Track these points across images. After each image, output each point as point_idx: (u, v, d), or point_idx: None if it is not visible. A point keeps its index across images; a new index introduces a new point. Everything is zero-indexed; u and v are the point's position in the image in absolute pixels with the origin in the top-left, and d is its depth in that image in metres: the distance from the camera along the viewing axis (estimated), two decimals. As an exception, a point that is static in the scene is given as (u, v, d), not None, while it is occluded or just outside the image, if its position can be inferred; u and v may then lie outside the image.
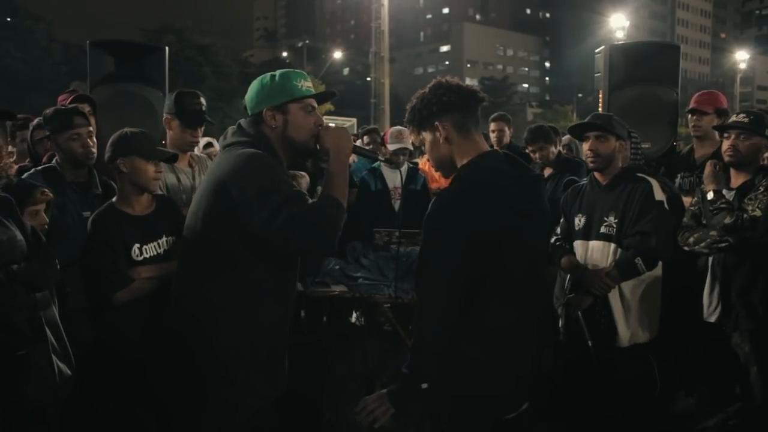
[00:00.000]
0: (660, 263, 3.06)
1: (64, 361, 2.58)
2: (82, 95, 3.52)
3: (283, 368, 2.30)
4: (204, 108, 3.24)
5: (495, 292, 1.90)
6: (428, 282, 1.90)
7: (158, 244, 2.74)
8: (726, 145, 3.15)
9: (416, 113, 2.05)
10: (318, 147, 2.19)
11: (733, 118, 3.25)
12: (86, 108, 3.45)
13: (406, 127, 2.19)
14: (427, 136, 2.05)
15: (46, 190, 2.58)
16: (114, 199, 2.75)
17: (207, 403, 2.14)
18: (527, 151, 4.48)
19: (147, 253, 2.70)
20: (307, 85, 2.20)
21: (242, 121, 2.24)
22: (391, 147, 4.51)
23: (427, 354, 1.88)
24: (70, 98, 3.49)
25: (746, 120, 3.10)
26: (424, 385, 1.86)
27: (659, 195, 2.99)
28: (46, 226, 2.56)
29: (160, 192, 2.83)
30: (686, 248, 3.19)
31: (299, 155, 2.30)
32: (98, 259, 2.63)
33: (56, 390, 2.52)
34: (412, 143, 4.43)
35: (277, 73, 2.22)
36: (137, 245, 2.68)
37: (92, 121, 3.43)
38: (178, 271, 2.27)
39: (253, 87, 2.23)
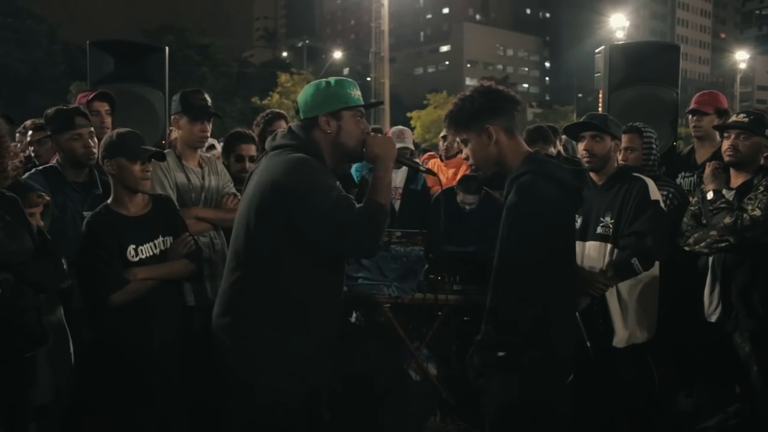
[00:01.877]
0: (657, 263, 3.05)
1: (65, 361, 2.59)
2: (103, 92, 3.50)
3: (329, 362, 2.36)
4: (209, 104, 3.26)
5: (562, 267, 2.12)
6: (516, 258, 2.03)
7: (154, 244, 2.73)
8: (726, 144, 3.14)
9: (464, 114, 2.15)
10: (364, 153, 2.27)
11: (734, 117, 3.25)
12: (105, 106, 3.45)
13: (446, 126, 2.27)
14: (471, 137, 2.17)
15: (42, 193, 2.56)
16: (109, 201, 2.74)
17: (259, 396, 2.17)
18: None
19: (143, 254, 2.70)
20: (357, 93, 2.28)
21: (293, 125, 2.30)
22: None
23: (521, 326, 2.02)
24: (92, 95, 3.46)
25: (746, 120, 3.10)
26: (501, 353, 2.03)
27: (655, 195, 2.98)
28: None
29: (147, 190, 2.77)
30: (686, 248, 3.19)
31: (347, 160, 2.45)
32: (93, 262, 2.61)
33: (57, 389, 2.53)
34: (414, 142, 4.43)
35: (332, 80, 2.27)
36: (133, 246, 2.67)
37: (108, 120, 3.44)
38: (226, 271, 2.27)
39: (308, 91, 2.27)
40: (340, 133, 2.22)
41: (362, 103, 2.28)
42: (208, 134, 3.29)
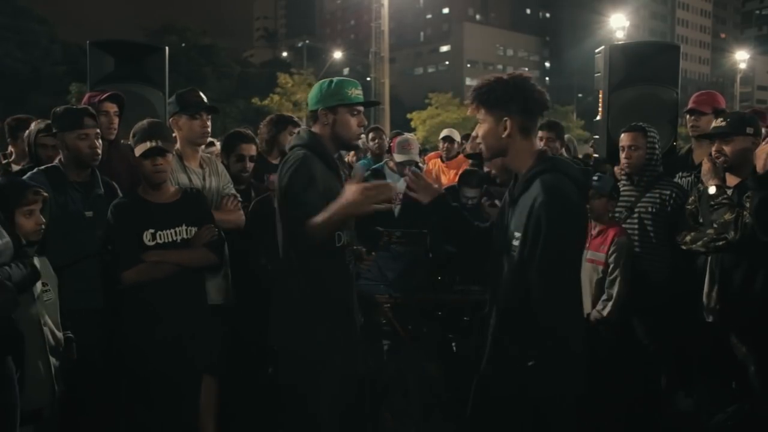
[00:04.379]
0: None
1: (61, 361, 2.58)
2: (115, 94, 3.51)
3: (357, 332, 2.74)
4: (205, 100, 3.27)
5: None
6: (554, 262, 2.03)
7: (175, 231, 2.79)
8: (713, 150, 3.18)
9: (491, 97, 2.15)
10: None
11: (714, 124, 3.27)
12: (114, 108, 3.45)
13: (470, 97, 2.27)
14: (488, 119, 2.17)
15: (39, 189, 2.57)
16: (140, 188, 2.86)
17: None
18: (537, 138, 4.50)
19: (161, 240, 2.76)
20: (356, 92, 2.61)
21: (301, 128, 2.73)
22: (397, 158, 4.42)
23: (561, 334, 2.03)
24: (105, 95, 3.45)
25: (724, 124, 3.13)
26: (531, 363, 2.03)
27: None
28: (43, 226, 2.55)
29: (160, 182, 2.84)
30: (683, 247, 3.19)
31: (343, 148, 2.86)
32: (112, 241, 2.74)
33: (53, 390, 2.53)
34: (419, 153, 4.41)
35: (335, 79, 2.63)
36: (151, 231, 2.75)
37: (116, 122, 3.45)
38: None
39: (314, 89, 2.64)
40: (335, 124, 2.57)
41: (360, 101, 2.61)
42: (209, 129, 3.30)
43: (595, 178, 3.32)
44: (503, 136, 2.14)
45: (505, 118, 2.13)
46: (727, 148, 3.10)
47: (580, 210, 2.11)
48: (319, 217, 2.34)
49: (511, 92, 2.12)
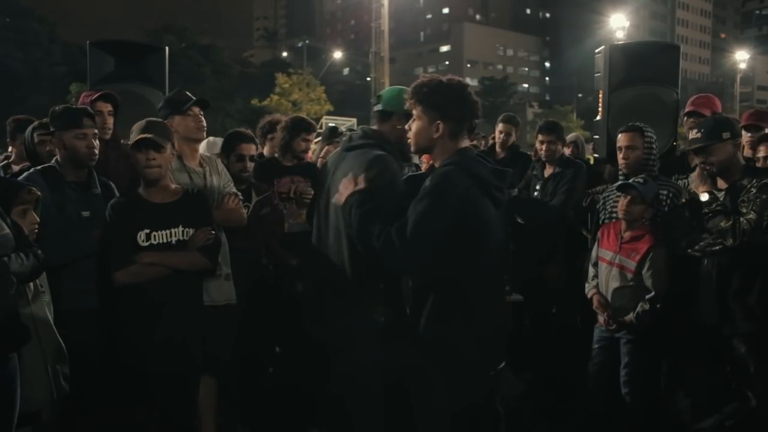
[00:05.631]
0: None
1: (59, 362, 2.57)
2: (107, 93, 3.50)
3: None
4: (192, 98, 3.27)
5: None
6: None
7: (171, 232, 2.76)
8: (699, 162, 3.18)
9: (430, 99, 2.30)
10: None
11: (690, 136, 3.27)
12: (108, 107, 3.45)
13: (409, 93, 2.39)
14: (423, 119, 2.33)
15: (33, 188, 2.55)
16: (140, 187, 2.84)
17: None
18: (537, 141, 4.52)
19: (155, 240, 2.73)
20: None
21: (362, 127, 2.86)
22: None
23: None
24: (96, 95, 3.45)
25: (699, 135, 3.13)
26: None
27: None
28: (37, 226, 2.53)
29: (153, 178, 2.81)
30: (683, 252, 3.19)
31: (400, 157, 2.68)
32: (105, 241, 2.72)
33: (51, 391, 2.51)
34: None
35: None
36: (146, 231, 2.71)
37: (111, 121, 3.44)
38: None
39: (395, 90, 2.67)
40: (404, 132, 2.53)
41: None
42: (204, 123, 3.30)
43: (640, 181, 3.23)
44: (434, 136, 2.32)
45: (438, 122, 2.30)
46: (710, 158, 3.10)
47: (458, 198, 2.20)
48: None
49: (450, 99, 2.29)
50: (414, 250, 2.20)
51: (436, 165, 2.38)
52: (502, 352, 2.45)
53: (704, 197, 3.10)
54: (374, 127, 2.74)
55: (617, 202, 3.35)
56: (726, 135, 3.07)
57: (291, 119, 4.16)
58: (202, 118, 3.28)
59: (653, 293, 3.13)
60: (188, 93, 3.32)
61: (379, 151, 2.50)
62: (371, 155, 2.47)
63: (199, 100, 3.27)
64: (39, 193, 2.57)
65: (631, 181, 3.27)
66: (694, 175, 3.28)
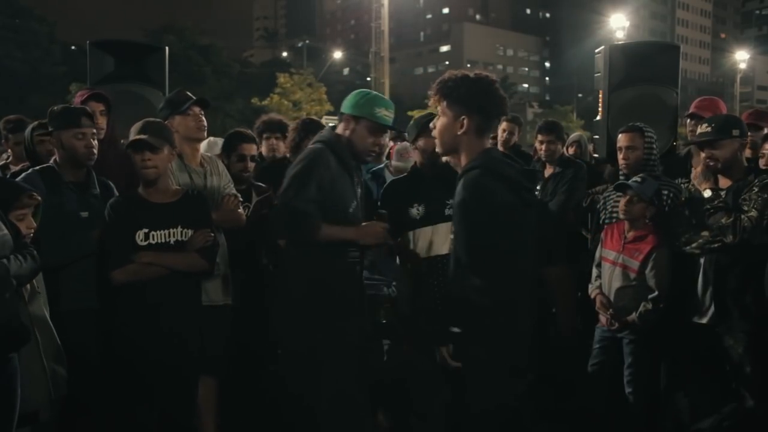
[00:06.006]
0: None
1: (57, 362, 2.57)
2: (98, 93, 3.49)
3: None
4: (192, 97, 3.27)
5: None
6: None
7: (170, 233, 2.76)
8: (703, 157, 3.18)
9: (454, 93, 2.23)
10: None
11: (699, 130, 3.27)
12: (100, 107, 3.45)
13: (433, 90, 2.34)
14: (448, 114, 2.25)
15: (34, 193, 2.55)
16: (139, 187, 2.85)
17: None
18: (537, 141, 4.52)
19: (153, 240, 2.73)
20: (385, 113, 2.75)
21: (328, 127, 2.97)
22: (395, 165, 4.45)
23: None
24: (87, 95, 3.45)
25: (710, 129, 3.13)
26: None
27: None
28: (33, 231, 2.52)
29: (150, 179, 2.81)
30: (681, 249, 3.19)
31: (353, 158, 2.82)
32: (104, 239, 2.73)
33: (49, 392, 2.51)
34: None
35: (372, 93, 2.85)
36: (145, 230, 2.71)
37: (103, 121, 3.44)
38: None
39: (352, 94, 2.82)
40: (353, 133, 2.75)
41: (383, 122, 2.75)
42: (204, 122, 3.30)
43: (638, 180, 3.23)
44: (458, 133, 2.22)
45: (463, 117, 2.21)
46: (716, 153, 3.11)
47: (498, 206, 2.13)
48: (325, 231, 2.58)
49: (475, 92, 2.20)
50: (479, 272, 2.10)
51: (460, 165, 2.27)
52: (534, 359, 2.41)
53: (707, 193, 3.11)
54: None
55: (617, 202, 3.36)
56: (735, 132, 3.09)
57: (302, 121, 4.17)
58: (203, 118, 3.28)
59: (656, 293, 3.14)
60: (188, 93, 3.32)
61: (320, 146, 2.71)
62: (307, 150, 2.75)
63: (199, 100, 3.27)
64: (39, 198, 2.57)
65: (629, 181, 3.28)
66: (695, 173, 3.28)
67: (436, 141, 2.34)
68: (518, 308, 2.17)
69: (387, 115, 2.76)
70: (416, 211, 3.16)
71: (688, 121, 3.99)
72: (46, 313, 2.57)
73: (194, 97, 3.27)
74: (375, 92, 2.81)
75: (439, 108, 2.30)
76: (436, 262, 3.07)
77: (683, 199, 3.31)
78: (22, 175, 2.99)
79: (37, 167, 3.02)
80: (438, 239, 3.08)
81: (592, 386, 3.39)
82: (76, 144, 2.91)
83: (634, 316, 3.16)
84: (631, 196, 3.20)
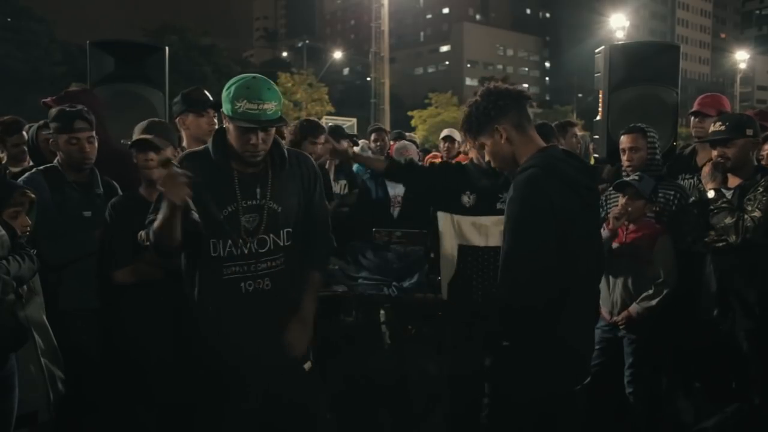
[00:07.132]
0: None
1: (54, 363, 2.57)
2: (84, 90, 3.47)
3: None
4: (210, 98, 3.28)
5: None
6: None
7: None
8: (715, 155, 3.18)
9: (474, 121, 2.22)
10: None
11: (712, 128, 3.26)
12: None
13: (462, 134, 2.35)
14: (486, 140, 2.22)
15: (27, 191, 2.55)
16: (141, 186, 2.86)
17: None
18: None
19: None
20: (248, 107, 2.19)
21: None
22: None
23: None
24: (74, 92, 3.43)
25: (723, 128, 3.13)
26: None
27: None
28: (29, 229, 2.53)
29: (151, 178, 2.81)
30: (683, 247, 3.19)
31: (239, 159, 2.36)
32: (105, 239, 2.74)
33: (47, 392, 2.51)
34: (416, 143, 4.42)
35: (235, 85, 2.24)
36: (146, 230, 2.70)
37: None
38: None
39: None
40: (228, 132, 2.32)
41: (244, 117, 2.21)
42: (216, 125, 3.31)
43: (636, 177, 3.23)
44: (503, 143, 2.19)
45: (495, 127, 2.19)
46: (728, 152, 3.10)
47: (549, 207, 2.04)
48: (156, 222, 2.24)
49: (484, 104, 2.20)
50: (523, 273, 2.03)
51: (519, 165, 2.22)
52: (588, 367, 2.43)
53: (711, 194, 3.12)
54: None
55: (616, 199, 3.36)
56: (749, 132, 3.10)
57: (300, 122, 4.15)
58: (216, 121, 3.29)
59: (662, 279, 3.11)
60: (206, 92, 3.32)
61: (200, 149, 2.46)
62: None
63: (216, 103, 3.27)
64: (33, 195, 2.56)
65: (628, 179, 3.27)
66: (705, 171, 3.28)
67: (499, 165, 2.30)
68: (570, 313, 2.11)
69: (251, 108, 2.18)
70: (467, 199, 3.13)
71: (692, 118, 3.97)
72: (44, 314, 2.57)
73: (212, 99, 3.27)
74: (241, 82, 2.22)
75: (482, 144, 2.27)
76: (473, 251, 3.05)
77: (692, 199, 3.31)
78: (26, 175, 2.99)
79: (41, 167, 3.02)
80: (481, 230, 3.04)
81: (592, 386, 3.38)
82: (71, 149, 2.92)
83: (635, 306, 3.14)
84: (631, 193, 3.20)
